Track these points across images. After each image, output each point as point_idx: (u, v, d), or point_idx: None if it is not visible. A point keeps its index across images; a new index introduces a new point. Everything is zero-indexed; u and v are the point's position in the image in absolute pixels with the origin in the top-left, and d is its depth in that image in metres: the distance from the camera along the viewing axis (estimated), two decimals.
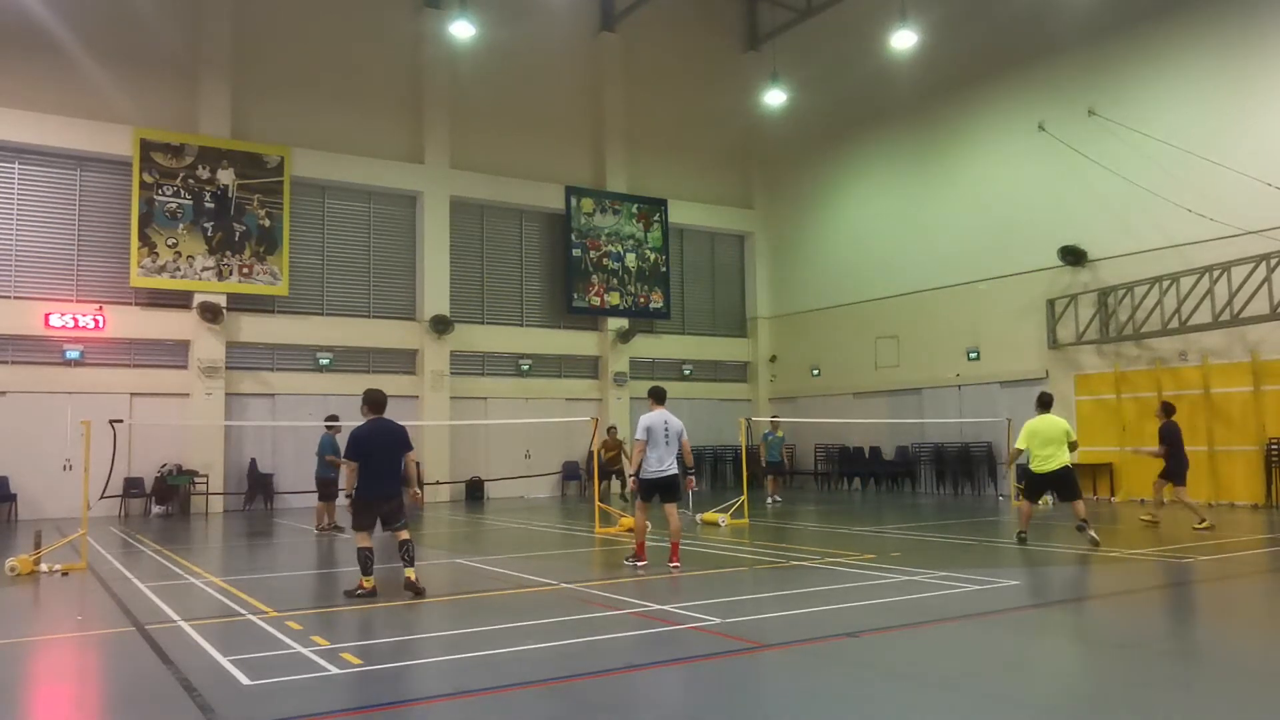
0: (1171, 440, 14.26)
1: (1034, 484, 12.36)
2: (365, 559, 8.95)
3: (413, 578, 8.85)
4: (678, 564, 10.38)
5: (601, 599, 8.74)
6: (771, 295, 29.57)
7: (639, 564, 10.55)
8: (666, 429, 10.58)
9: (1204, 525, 13.57)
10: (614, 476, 21.64)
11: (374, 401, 9.28)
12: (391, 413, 9.55)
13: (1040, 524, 14.63)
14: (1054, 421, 12.20)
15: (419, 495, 9.60)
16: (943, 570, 9.86)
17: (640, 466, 10.60)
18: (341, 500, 10.78)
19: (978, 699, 5.33)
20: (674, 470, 10.62)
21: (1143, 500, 14.85)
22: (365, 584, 8.91)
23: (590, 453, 16.19)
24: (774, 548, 12.66)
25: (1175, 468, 14.20)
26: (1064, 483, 12.20)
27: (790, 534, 14.60)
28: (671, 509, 10.66)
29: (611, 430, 21.45)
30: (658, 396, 11.04)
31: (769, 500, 20.50)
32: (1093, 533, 11.69)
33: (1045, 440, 12.06)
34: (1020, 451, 12.40)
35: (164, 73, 21.45)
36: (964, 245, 23.27)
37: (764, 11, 29.28)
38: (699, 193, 28.80)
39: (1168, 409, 14.82)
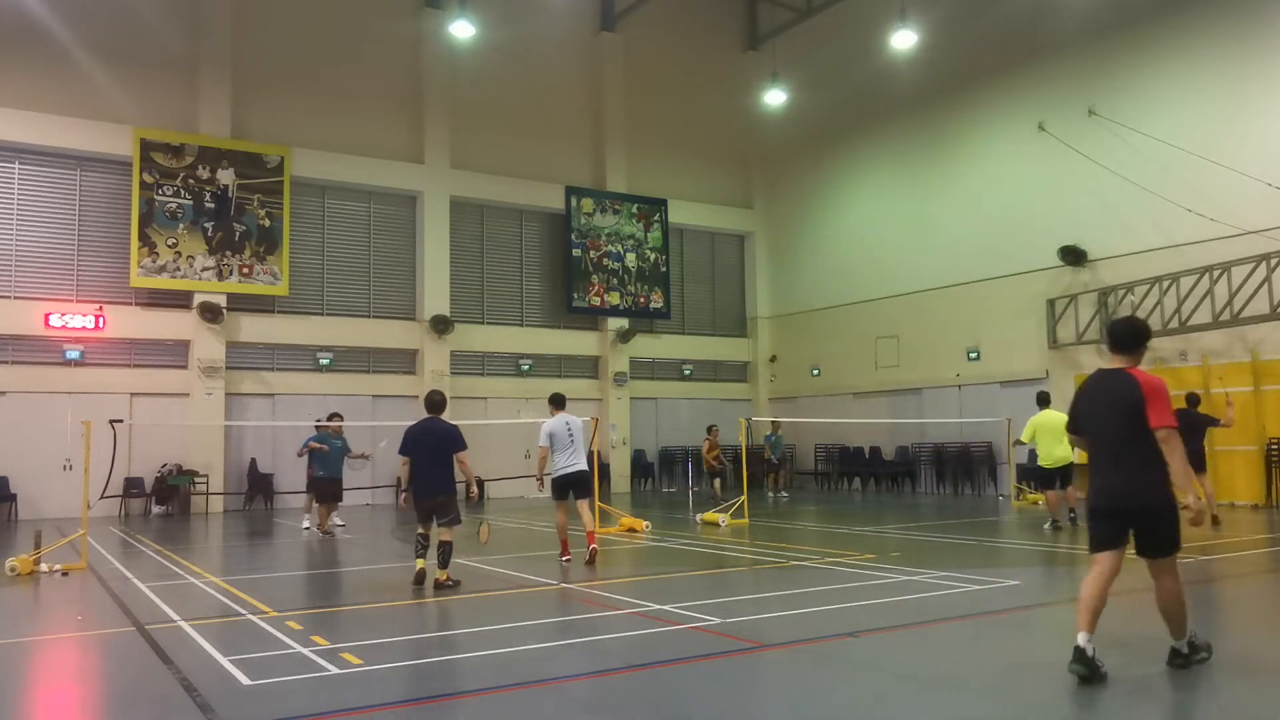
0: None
1: (1045, 477, 13.67)
2: (417, 543, 9.70)
3: (442, 578, 9.25)
4: (594, 547, 11.10)
5: (601, 599, 8.74)
6: (771, 295, 29.56)
7: (565, 559, 11.05)
8: (570, 431, 11.09)
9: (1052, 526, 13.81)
10: (718, 477, 21.58)
11: (429, 402, 9.79)
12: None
13: (1041, 524, 14.62)
14: (1056, 415, 13.33)
15: (474, 493, 10.15)
16: (943, 570, 9.85)
17: (544, 470, 11.34)
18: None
19: (978, 699, 5.33)
20: (581, 467, 11.14)
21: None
22: (418, 564, 9.52)
23: (591, 452, 16.12)
24: (774, 548, 12.66)
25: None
26: (1065, 474, 13.53)
27: (790, 534, 14.60)
28: (583, 504, 11.21)
29: (713, 430, 21.67)
30: (557, 403, 11.53)
31: (771, 495, 21.53)
32: (1072, 518, 13.54)
33: (1049, 433, 13.31)
34: (1020, 442, 13.88)
35: (164, 73, 21.44)
36: (964, 245, 23.26)
37: (764, 11, 29.27)
38: (699, 193, 28.79)
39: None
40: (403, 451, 9.66)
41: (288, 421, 21.24)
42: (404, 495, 9.87)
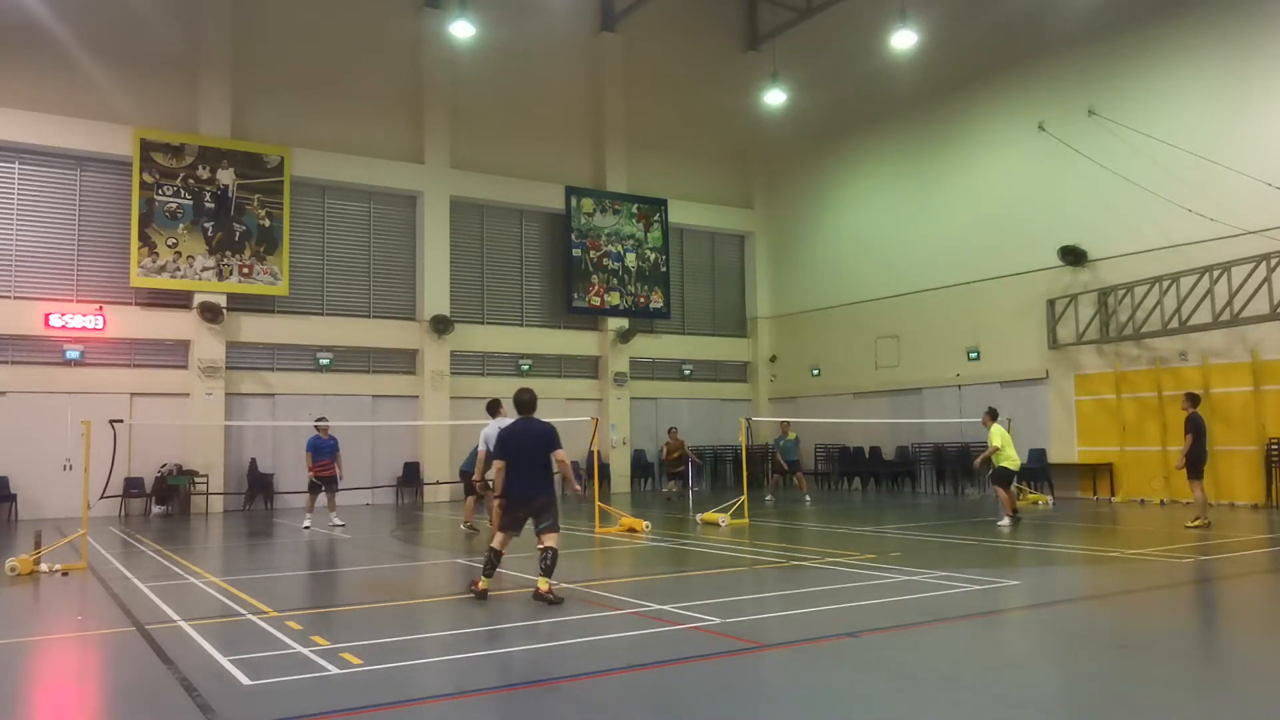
0: (1195, 430, 14.16)
1: (1008, 477, 15.13)
2: (489, 560, 8.73)
3: (543, 589, 8.32)
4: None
5: (601, 599, 8.74)
6: (771, 295, 29.56)
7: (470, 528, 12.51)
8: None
9: (1198, 523, 13.86)
10: (675, 478, 22.18)
11: (519, 401, 9.15)
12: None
13: (1041, 524, 14.69)
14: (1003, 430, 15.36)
15: (579, 490, 9.60)
16: (943, 570, 9.86)
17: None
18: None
19: (978, 699, 5.33)
20: None
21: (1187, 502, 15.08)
22: (479, 584, 8.66)
23: (590, 452, 16.17)
24: (774, 548, 12.66)
25: (1193, 459, 14.10)
26: (1011, 478, 15.31)
27: (790, 534, 14.61)
28: None
29: (672, 431, 22.56)
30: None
31: (808, 498, 21.33)
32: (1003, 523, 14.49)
33: (1008, 444, 15.07)
34: (996, 449, 14.99)
35: (164, 73, 21.43)
36: (964, 245, 23.26)
37: (764, 11, 29.27)
38: (699, 193, 28.79)
39: (1193, 399, 14.63)
40: (499, 455, 8.84)
41: (288, 421, 21.24)
42: (499, 500, 9.08)
